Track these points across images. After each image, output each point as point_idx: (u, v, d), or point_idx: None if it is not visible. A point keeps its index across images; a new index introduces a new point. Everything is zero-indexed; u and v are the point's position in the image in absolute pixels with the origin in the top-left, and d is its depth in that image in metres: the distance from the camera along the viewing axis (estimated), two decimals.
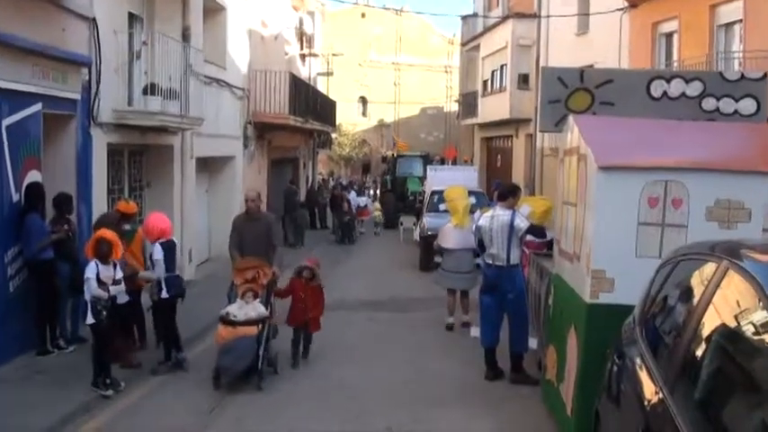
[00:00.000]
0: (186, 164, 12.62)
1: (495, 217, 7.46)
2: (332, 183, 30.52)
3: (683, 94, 6.22)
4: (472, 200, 11.18)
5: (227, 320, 7.12)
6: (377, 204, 26.58)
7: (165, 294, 7.37)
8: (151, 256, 7.49)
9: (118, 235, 7.21)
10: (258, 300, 7.34)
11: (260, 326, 7.07)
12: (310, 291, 7.76)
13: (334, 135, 34.44)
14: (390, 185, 26.58)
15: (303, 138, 24.86)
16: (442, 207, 15.70)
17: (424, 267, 15.27)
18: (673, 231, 4.74)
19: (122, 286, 6.80)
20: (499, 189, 8.37)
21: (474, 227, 7.95)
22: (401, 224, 22.19)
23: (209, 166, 15.23)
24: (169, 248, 7.49)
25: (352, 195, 23.99)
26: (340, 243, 20.21)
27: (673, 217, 4.76)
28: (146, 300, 7.83)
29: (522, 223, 7.30)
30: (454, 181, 14.71)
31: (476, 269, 9.59)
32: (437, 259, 11.00)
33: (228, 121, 15.38)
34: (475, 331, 7.92)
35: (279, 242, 8.03)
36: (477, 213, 8.17)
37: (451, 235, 10.00)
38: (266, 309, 7.33)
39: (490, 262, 7.46)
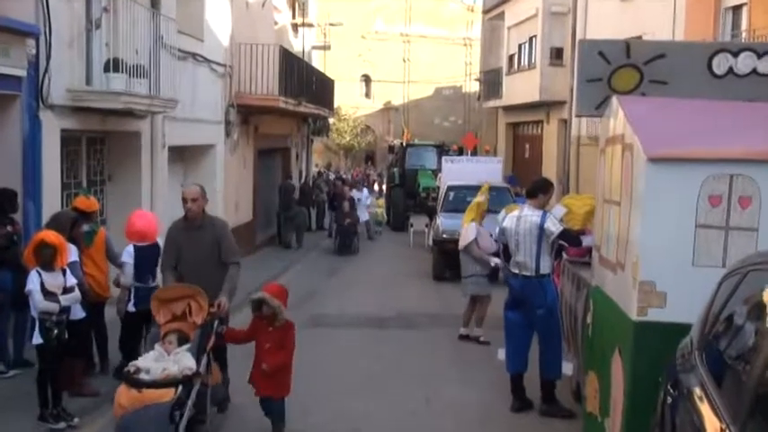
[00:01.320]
0: (157, 154, 12.60)
1: (521, 218, 7.40)
2: (325, 174, 30.50)
3: (754, 71, 6.19)
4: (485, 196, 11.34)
5: (130, 379, 5.64)
6: (380, 201, 26.57)
7: (131, 308, 7.31)
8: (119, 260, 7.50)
9: (75, 237, 7.17)
10: (187, 347, 5.97)
11: (178, 388, 5.54)
12: (276, 335, 6.26)
13: (331, 120, 34.51)
14: (398, 180, 26.58)
15: (296, 123, 24.88)
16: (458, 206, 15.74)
17: (438, 277, 15.25)
18: (739, 236, 4.69)
19: (77, 294, 6.63)
20: (531, 185, 8.24)
21: (497, 229, 7.91)
22: (411, 226, 22.21)
23: (185, 157, 15.23)
24: (151, 254, 7.47)
25: (364, 194, 23.81)
26: (338, 254, 19.91)
27: (739, 218, 4.70)
28: (111, 314, 7.78)
29: (553, 226, 7.23)
30: (474, 174, 14.66)
31: (483, 273, 9.96)
32: None
33: (207, 103, 15.37)
34: (501, 354, 7.89)
35: (233, 258, 6.69)
36: (502, 213, 8.10)
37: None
38: (198, 361, 5.87)
39: (516, 271, 7.41)
